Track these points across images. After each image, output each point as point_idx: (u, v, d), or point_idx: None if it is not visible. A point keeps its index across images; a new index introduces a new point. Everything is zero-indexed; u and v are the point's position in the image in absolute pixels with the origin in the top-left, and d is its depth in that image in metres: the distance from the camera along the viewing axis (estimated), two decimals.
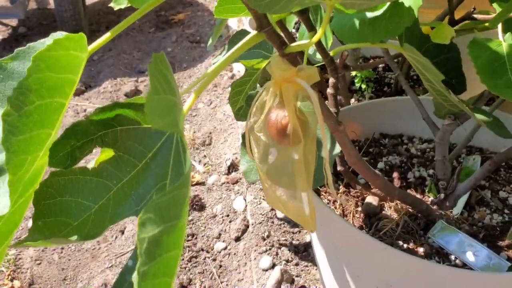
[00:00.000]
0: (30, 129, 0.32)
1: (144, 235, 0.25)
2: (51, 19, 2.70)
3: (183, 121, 0.37)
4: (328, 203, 0.78)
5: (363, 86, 1.12)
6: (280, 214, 1.24)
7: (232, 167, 1.49)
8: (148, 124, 0.42)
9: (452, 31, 0.72)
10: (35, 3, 2.93)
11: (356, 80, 1.11)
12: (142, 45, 2.45)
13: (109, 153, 0.43)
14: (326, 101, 0.97)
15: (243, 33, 0.80)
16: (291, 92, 0.42)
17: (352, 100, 1.12)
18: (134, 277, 0.26)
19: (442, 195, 0.74)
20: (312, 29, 0.73)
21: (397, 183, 0.83)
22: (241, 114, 0.78)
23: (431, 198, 0.80)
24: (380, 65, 1.22)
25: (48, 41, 0.38)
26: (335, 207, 0.77)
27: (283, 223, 1.22)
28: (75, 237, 0.41)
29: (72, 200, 0.41)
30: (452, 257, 0.68)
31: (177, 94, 0.33)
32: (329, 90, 0.73)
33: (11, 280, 1.17)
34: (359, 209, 0.77)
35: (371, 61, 1.22)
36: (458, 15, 0.80)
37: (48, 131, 0.34)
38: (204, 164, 1.54)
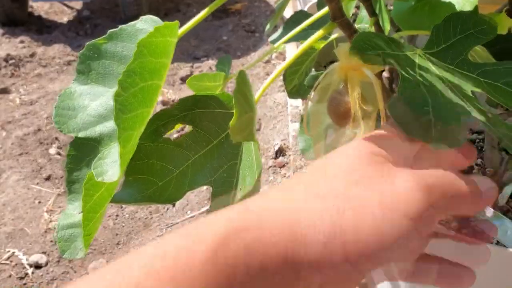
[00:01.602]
0: (136, 108, 0.36)
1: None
2: (113, 4, 2.83)
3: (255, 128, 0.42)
4: None
5: None
6: None
7: (280, 152, 1.53)
8: (223, 110, 0.48)
9: (510, 21, 0.73)
10: None
11: None
12: (199, 32, 2.53)
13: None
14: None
15: (302, 13, 0.83)
16: (356, 81, 0.44)
17: None
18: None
19: None
20: (373, 14, 0.76)
21: None
22: (294, 92, 0.83)
23: None
24: None
25: (140, 24, 0.44)
26: None
27: None
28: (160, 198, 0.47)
29: (158, 163, 0.47)
30: (494, 240, 0.70)
31: (254, 109, 0.38)
32: (385, 74, 0.76)
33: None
34: None
35: None
36: None
37: (149, 109, 0.39)
38: None
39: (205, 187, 1.40)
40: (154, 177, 0.46)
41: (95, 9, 2.84)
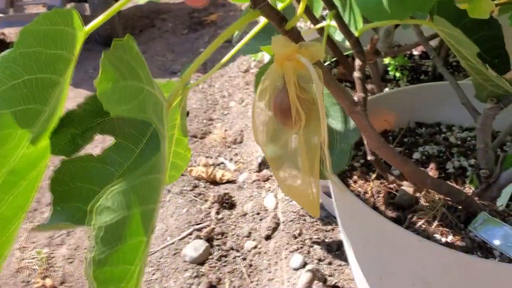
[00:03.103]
0: (19, 103, 0.31)
1: (101, 224, 0.24)
2: (85, 23, 2.75)
3: (165, 112, 0.35)
4: (358, 195, 0.73)
5: (398, 75, 1.05)
6: None
7: (263, 164, 1.45)
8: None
9: (492, 4, 0.65)
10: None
11: (390, 68, 1.05)
12: (176, 46, 2.46)
13: None
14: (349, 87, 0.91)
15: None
16: (291, 70, 0.40)
17: (386, 90, 1.06)
18: (88, 266, 0.24)
19: (484, 185, 0.67)
20: (332, 7, 0.68)
21: (434, 174, 0.77)
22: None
23: (473, 189, 0.73)
24: (416, 53, 1.15)
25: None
26: (367, 199, 0.72)
27: (316, 221, 1.17)
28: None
29: (83, 186, 0.42)
30: (497, 252, 0.62)
31: (146, 80, 0.32)
32: (356, 74, 0.68)
33: (43, 278, 1.17)
34: (392, 200, 0.71)
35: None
36: None
37: (40, 106, 0.33)
38: (235, 162, 1.51)
39: (184, 210, 1.32)
40: (81, 203, 0.42)
41: None
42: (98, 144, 1.55)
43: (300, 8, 0.44)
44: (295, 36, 0.42)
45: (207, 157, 1.55)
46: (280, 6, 0.60)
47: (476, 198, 0.69)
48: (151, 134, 0.43)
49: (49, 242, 1.29)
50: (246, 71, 2.08)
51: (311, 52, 0.41)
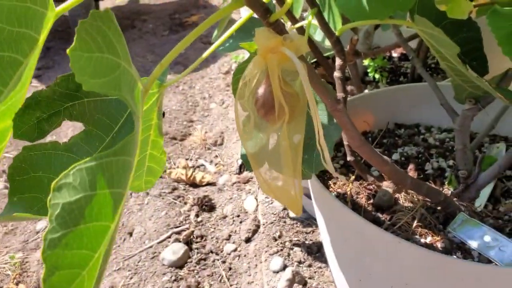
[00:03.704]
0: None
1: (59, 201, 0.21)
2: (65, 25, 2.71)
3: (141, 95, 0.33)
4: (337, 196, 0.72)
5: (377, 76, 1.05)
6: (292, 214, 1.18)
7: (244, 166, 1.44)
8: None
9: (470, 5, 0.66)
10: None
11: (369, 70, 1.05)
12: (156, 48, 2.43)
13: None
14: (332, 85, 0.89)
15: (251, 21, 0.75)
16: (275, 62, 0.39)
17: (366, 91, 1.06)
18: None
19: (463, 186, 0.67)
20: (314, 5, 0.67)
21: (413, 175, 0.77)
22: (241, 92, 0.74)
23: (452, 190, 0.73)
24: (395, 55, 1.16)
25: None
26: (346, 200, 0.72)
27: (296, 223, 1.16)
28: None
29: (45, 175, 0.40)
30: (475, 253, 0.62)
31: (123, 56, 0.30)
32: (336, 73, 0.67)
33: (16, 284, 1.14)
34: (372, 201, 0.70)
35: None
36: None
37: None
38: (216, 164, 1.50)
39: (163, 213, 1.29)
40: (41, 193, 0.39)
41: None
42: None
43: (311, 13, 0.43)
44: (279, 29, 0.41)
45: (186, 159, 1.53)
46: None
47: (455, 199, 0.69)
48: (124, 121, 0.40)
49: (23, 246, 1.25)
50: (227, 72, 2.06)
51: (295, 45, 0.40)
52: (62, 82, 0.38)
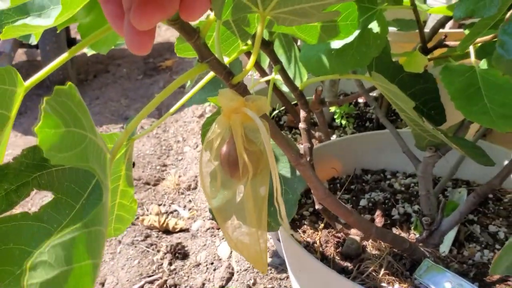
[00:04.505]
0: None
1: (36, 280, 0.21)
2: (37, 70, 2.71)
3: (109, 163, 0.34)
4: (307, 245, 0.73)
5: (343, 122, 1.09)
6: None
7: None
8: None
9: (425, 59, 0.69)
10: (25, 55, 2.96)
11: (336, 116, 1.09)
12: (130, 92, 2.45)
13: None
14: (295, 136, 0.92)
15: None
16: (238, 122, 0.40)
17: (334, 137, 1.09)
18: None
19: (427, 232, 0.69)
20: (277, 62, 0.70)
21: (380, 220, 0.78)
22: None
23: (417, 236, 0.75)
24: (361, 101, 1.20)
25: None
26: (315, 250, 0.72)
27: (270, 269, 1.16)
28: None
29: (16, 247, 0.39)
30: None
31: (89, 128, 0.31)
32: (301, 125, 0.69)
33: None
34: (340, 250, 0.71)
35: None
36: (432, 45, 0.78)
37: None
38: (189, 209, 1.49)
39: (136, 261, 1.27)
40: (12, 266, 0.38)
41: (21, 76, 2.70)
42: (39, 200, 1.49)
43: (249, 63, 0.45)
44: (242, 89, 0.42)
45: (159, 204, 1.52)
46: (227, 60, 0.62)
47: (420, 245, 0.70)
48: (93, 188, 0.40)
49: None
50: (201, 116, 2.08)
51: (257, 105, 0.41)
52: (28, 154, 0.38)
